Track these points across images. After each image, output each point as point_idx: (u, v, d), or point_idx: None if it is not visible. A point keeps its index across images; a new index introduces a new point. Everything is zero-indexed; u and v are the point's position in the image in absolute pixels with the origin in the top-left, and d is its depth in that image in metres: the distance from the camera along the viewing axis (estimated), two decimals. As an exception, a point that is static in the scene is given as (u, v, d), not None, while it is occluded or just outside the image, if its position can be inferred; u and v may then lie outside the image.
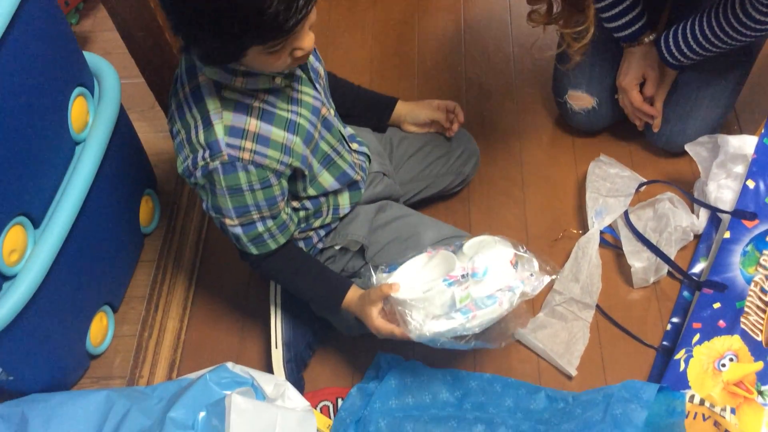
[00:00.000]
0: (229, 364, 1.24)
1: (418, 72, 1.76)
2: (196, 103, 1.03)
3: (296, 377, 1.28)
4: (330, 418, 1.27)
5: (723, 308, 1.23)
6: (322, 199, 1.20)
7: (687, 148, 1.41)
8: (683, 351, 1.21)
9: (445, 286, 1.05)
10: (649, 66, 1.39)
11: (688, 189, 1.44)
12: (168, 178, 1.63)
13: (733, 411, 1.12)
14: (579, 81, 1.48)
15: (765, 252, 1.26)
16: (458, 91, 1.71)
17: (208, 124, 1.01)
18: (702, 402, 1.14)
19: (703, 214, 1.39)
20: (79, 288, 1.28)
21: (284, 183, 1.10)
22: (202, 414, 1.14)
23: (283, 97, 1.06)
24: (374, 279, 1.13)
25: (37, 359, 1.24)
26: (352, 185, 1.23)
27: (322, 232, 1.25)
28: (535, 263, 1.10)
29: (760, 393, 1.14)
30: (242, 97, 1.02)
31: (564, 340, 1.30)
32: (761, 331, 1.20)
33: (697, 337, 1.21)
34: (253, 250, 1.14)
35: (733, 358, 1.17)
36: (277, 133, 1.04)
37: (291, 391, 1.22)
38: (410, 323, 1.05)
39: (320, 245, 1.26)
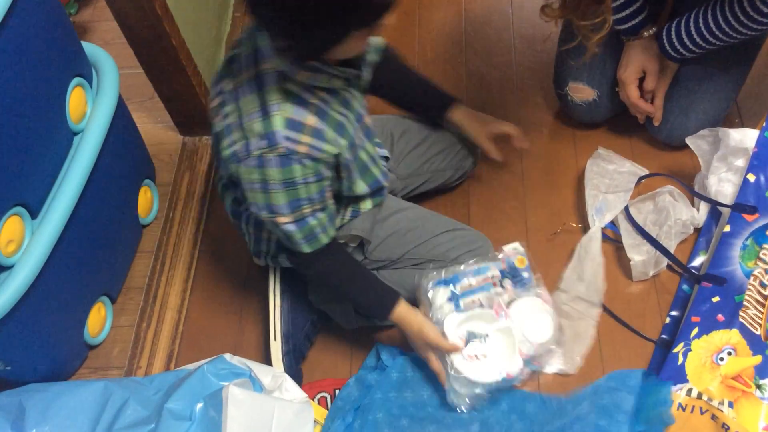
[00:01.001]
0: (227, 356, 1.23)
1: (418, 63, 1.76)
2: (258, 89, 1.00)
3: (294, 369, 1.28)
4: (327, 409, 1.27)
5: (722, 302, 1.22)
6: (346, 201, 1.20)
7: (688, 141, 1.41)
8: (681, 344, 1.20)
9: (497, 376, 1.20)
10: (649, 60, 1.38)
11: (689, 182, 1.44)
12: (167, 169, 1.62)
13: (731, 405, 1.12)
14: (580, 73, 1.47)
15: (765, 246, 1.26)
16: (459, 82, 1.70)
17: (266, 114, 0.99)
18: (700, 395, 1.14)
19: (704, 208, 1.38)
20: (77, 278, 1.28)
21: (332, 173, 1.08)
22: (200, 405, 1.14)
23: (337, 98, 1.06)
24: (444, 321, 1.21)
25: (35, 349, 1.24)
26: (378, 190, 1.23)
27: None
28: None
29: (759, 387, 1.14)
30: (302, 91, 1.01)
31: (568, 338, 1.29)
32: (760, 324, 1.20)
33: (695, 330, 1.21)
34: (306, 248, 1.12)
35: (732, 351, 1.17)
36: (330, 132, 1.03)
37: (288, 382, 1.22)
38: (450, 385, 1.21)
39: None
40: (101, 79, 1.34)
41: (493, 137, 1.36)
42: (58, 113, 1.22)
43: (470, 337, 1.22)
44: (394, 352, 1.30)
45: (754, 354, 1.17)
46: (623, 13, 1.33)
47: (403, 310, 1.18)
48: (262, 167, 1.00)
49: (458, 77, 1.72)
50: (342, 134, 1.05)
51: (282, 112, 0.99)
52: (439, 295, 1.24)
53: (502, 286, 1.27)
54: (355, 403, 1.24)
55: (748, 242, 1.26)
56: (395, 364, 1.27)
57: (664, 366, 1.20)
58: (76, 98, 1.25)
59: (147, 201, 1.52)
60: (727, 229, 1.27)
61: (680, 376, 1.17)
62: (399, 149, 1.38)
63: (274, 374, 1.22)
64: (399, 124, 1.40)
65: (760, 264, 1.24)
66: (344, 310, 1.30)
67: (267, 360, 1.28)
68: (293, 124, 0.99)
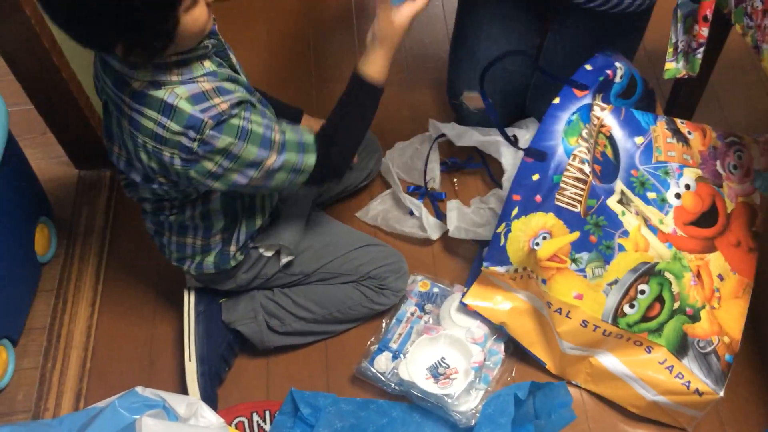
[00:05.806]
0: (139, 389, 1.20)
1: (315, 82, 1.77)
2: (144, 103, 0.97)
3: (210, 393, 1.26)
4: (246, 434, 1.26)
5: (540, 181, 1.18)
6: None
7: None
8: (503, 225, 1.20)
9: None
10: None
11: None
12: (64, 205, 1.58)
13: (544, 282, 1.19)
14: (474, 82, 1.51)
15: (587, 126, 1.20)
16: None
17: (169, 109, 0.96)
18: (525, 269, 1.22)
19: None
20: (-27, 322, 1.23)
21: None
22: (113, 440, 1.11)
23: (221, 75, 1.03)
24: (402, 374, 1.24)
25: (-69, 401, 1.18)
26: None
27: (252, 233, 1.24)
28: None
29: (574, 260, 1.17)
30: (181, 78, 0.99)
31: None
32: (580, 202, 1.17)
33: (516, 210, 1.19)
34: (311, 158, 1.08)
35: (547, 236, 1.18)
36: (228, 84, 1.01)
37: (204, 409, 1.19)
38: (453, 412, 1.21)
39: (233, 248, 1.22)
40: (-13, 115, 1.30)
41: None
42: (-59, 152, 1.18)
43: (433, 371, 1.26)
44: (313, 403, 1.25)
45: (572, 231, 1.17)
46: None
47: (371, 64, 1.10)
48: (213, 147, 0.98)
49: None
50: (237, 81, 1.04)
51: (179, 97, 0.96)
52: (382, 364, 1.28)
53: (426, 312, 1.35)
54: None
55: (574, 118, 1.19)
56: (321, 421, 1.23)
57: (489, 246, 1.21)
58: (-40, 136, 1.21)
59: (44, 239, 1.48)
60: (556, 101, 1.19)
61: (504, 258, 1.21)
62: None
63: (189, 402, 1.20)
64: None
65: (582, 142, 1.18)
66: (257, 329, 1.29)
67: (183, 389, 1.26)
68: (197, 98, 0.97)
